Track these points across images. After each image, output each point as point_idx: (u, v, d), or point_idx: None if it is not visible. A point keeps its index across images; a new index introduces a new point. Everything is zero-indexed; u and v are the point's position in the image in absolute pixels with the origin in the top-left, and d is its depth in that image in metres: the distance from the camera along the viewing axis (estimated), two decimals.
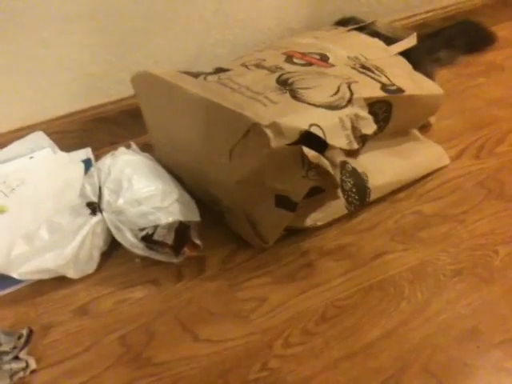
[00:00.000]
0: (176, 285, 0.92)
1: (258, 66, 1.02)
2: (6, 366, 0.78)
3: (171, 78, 0.96)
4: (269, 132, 0.79)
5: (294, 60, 1.03)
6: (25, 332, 0.81)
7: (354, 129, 0.86)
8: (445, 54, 1.43)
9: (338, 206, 0.97)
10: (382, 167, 1.02)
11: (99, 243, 0.94)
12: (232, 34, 1.30)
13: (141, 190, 0.93)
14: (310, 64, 1.02)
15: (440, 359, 0.78)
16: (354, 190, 0.97)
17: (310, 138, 0.80)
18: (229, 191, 0.93)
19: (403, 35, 1.17)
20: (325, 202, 0.90)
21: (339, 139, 0.83)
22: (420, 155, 1.09)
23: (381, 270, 0.91)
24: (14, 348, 0.80)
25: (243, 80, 0.95)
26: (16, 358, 0.79)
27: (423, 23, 1.49)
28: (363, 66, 1.02)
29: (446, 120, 1.22)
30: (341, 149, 0.83)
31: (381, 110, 0.95)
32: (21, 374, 0.79)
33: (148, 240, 0.92)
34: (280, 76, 0.95)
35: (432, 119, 1.19)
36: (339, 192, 0.86)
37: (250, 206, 0.91)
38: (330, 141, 0.81)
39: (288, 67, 1.00)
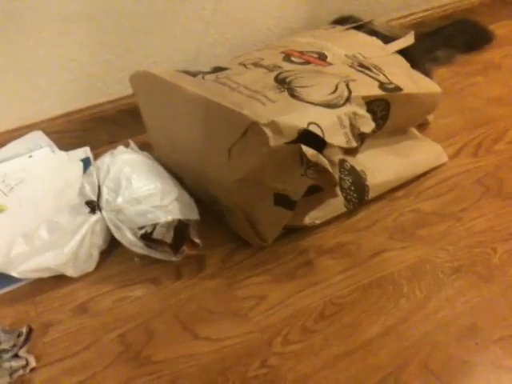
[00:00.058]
0: (175, 283, 0.93)
1: (257, 64, 1.02)
2: (6, 364, 0.78)
3: (170, 77, 0.96)
4: (267, 131, 0.79)
5: (292, 59, 1.03)
6: (24, 330, 0.81)
7: (353, 127, 0.86)
8: (443, 52, 1.43)
9: (336, 205, 0.97)
10: (380, 165, 1.02)
11: (98, 242, 0.94)
12: (231, 34, 1.30)
13: (140, 189, 0.93)
14: (308, 63, 1.02)
15: (439, 356, 0.78)
16: (352, 188, 0.97)
17: (308, 137, 0.80)
18: (228, 190, 0.93)
19: (401, 34, 1.17)
20: (324, 201, 0.90)
21: (338, 137, 0.84)
22: (418, 153, 1.09)
23: (380, 268, 0.92)
24: (14, 346, 0.80)
25: (242, 79, 0.95)
26: (16, 356, 0.79)
27: (421, 22, 1.49)
28: (361, 65, 1.02)
29: (444, 118, 1.23)
30: (339, 147, 0.83)
31: (379, 108, 0.96)
32: (20, 372, 0.79)
33: (147, 238, 0.92)
34: (278, 75, 0.95)
35: (430, 117, 1.19)
36: (338, 190, 0.86)
37: (249, 204, 0.92)
38: (328, 139, 0.81)
39: (286, 66, 1.00)
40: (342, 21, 1.29)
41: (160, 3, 1.18)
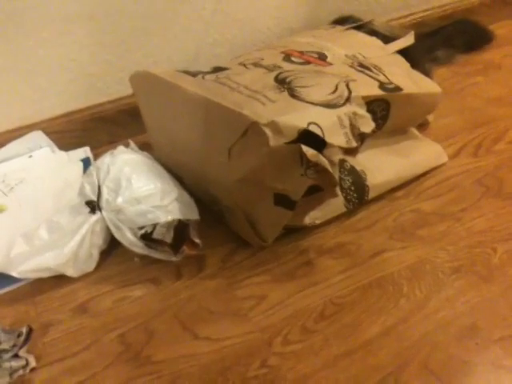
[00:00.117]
0: (175, 283, 0.93)
1: (256, 64, 1.02)
2: (6, 364, 0.78)
3: (170, 77, 0.96)
4: (267, 131, 0.79)
5: (292, 59, 1.03)
6: (24, 330, 0.81)
7: (353, 127, 0.86)
8: (443, 52, 1.43)
9: (336, 205, 0.97)
10: (380, 165, 1.02)
11: (98, 242, 0.95)
12: (231, 34, 1.30)
13: (140, 189, 0.93)
14: (308, 63, 1.02)
15: (439, 356, 0.78)
16: (352, 188, 0.97)
17: (308, 137, 0.80)
18: (228, 190, 0.93)
19: (401, 34, 1.17)
20: (324, 200, 0.90)
21: (338, 137, 0.84)
22: (418, 153, 1.09)
23: (380, 268, 0.92)
24: (14, 346, 0.80)
25: (241, 79, 0.95)
26: (16, 356, 0.79)
27: (421, 22, 1.49)
28: (361, 65, 1.02)
29: (444, 118, 1.23)
30: (339, 147, 0.83)
31: (379, 108, 0.96)
32: (20, 371, 0.79)
33: (147, 238, 0.92)
34: (278, 75, 0.95)
35: (430, 117, 1.19)
36: (338, 190, 0.86)
37: (249, 204, 0.92)
38: (328, 139, 0.81)
39: (286, 66, 1.00)
40: (341, 21, 1.29)
41: (160, 3, 1.18)
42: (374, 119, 0.91)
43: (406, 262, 0.92)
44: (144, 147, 1.10)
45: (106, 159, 0.99)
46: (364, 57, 1.06)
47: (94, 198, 0.94)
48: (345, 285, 0.89)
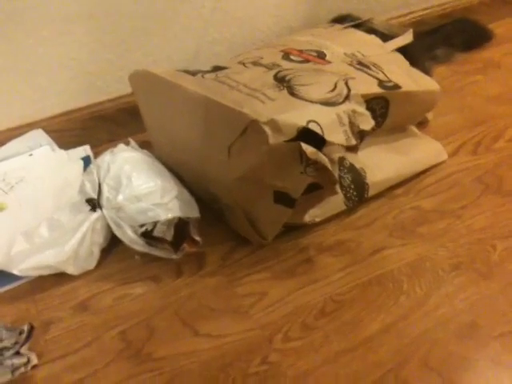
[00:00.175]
0: (176, 281, 0.93)
1: (256, 63, 1.02)
2: (8, 362, 0.78)
3: (169, 76, 0.96)
4: (267, 129, 0.79)
5: (291, 57, 1.03)
6: (26, 328, 0.81)
7: (352, 125, 0.86)
8: (442, 51, 1.44)
9: (336, 202, 0.97)
10: (380, 163, 1.02)
11: (99, 240, 0.95)
12: (230, 33, 1.31)
13: (140, 187, 0.94)
14: (307, 61, 1.02)
15: (439, 353, 0.78)
16: (352, 186, 0.98)
17: (308, 135, 0.80)
18: (228, 188, 0.93)
19: (399, 32, 1.17)
20: (323, 198, 0.90)
21: (337, 135, 0.84)
22: (418, 151, 1.09)
23: (379, 265, 0.92)
24: (16, 344, 0.80)
25: (241, 77, 0.95)
26: (17, 353, 0.79)
27: (420, 20, 1.49)
28: (360, 63, 1.02)
29: (444, 116, 1.23)
30: (339, 145, 0.83)
31: (378, 106, 0.96)
32: (22, 369, 0.79)
33: (148, 236, 0.92)
34: (277, 73, 0.95)
35: (429, 116, 1.19)
36: (337, 188, 0.86)
37: (248, 202, 0.92)
38: (327, 137, 0.81)
39: (285, 64, 1.00)
40: (340, 19, 1.29)
41: (159, 2, 1.18)
42: (374, 117, 0.91)
43: (405, 259, 0.93)
44: (144, 146, 1.10)
45: (106, 157, 0.99)
46: (363, 55, 1.06)
47: (95, 196, 0.94)
48: (345, 282, 0.90)
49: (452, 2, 1.55)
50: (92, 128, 1.25)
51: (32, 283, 0.94)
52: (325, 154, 0.80)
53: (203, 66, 1.05)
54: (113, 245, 0.98)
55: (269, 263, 0.94)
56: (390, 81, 0.98)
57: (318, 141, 0.81)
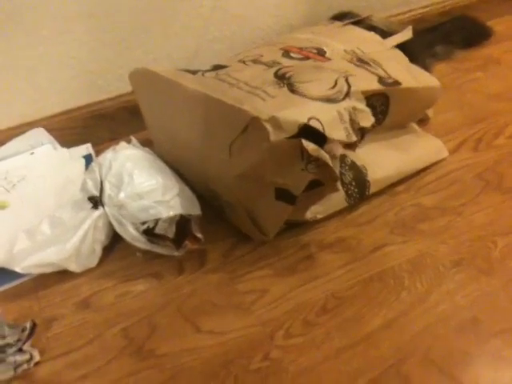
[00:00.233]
0: (177, 278, 0.93)
1: (256, 61, 1.02)
2: (11, 358, 0.79)
3: (169, 74, 0.97)
4: (268, 126, 0.79)
5: (291, 55, 1.04)
6: (28, 325, 0.82)
7: (353, 121, 0.86)
8: (441, 48, 1.44)
9: (337, 199, 0.97)
10: (381, 160, 1.02)
11: (101, 237, 0.95)
12: (230, 31, 1.31)
13: (142, 184, 0.94)
14: (307, 58, 1.02)
15: (440, 348, 0.78)
16: (353, 183, 0.98)
17: (308, 132, 0.80)
18: (229, 186, 0.93)
19: (399, 29, 1.17)
20: (324, 195, 0.90)
21: (338, 132, 0.84)
22: (419, 148, 1.09)
23: (381, 262, 0.92)
24: (18, 340, 0.80)
25: (241, 75, 0.95)
26: (20, 350, 0.80)
27: (420, 18, 1.49)
28: (360, 60, 1.02)
29: (444, 114, 1.23)
30: (340, 142, 0.84)
31: (378, 102, 0.96)
32: (25, 366, 0.80)
33: (149, 233, 0.92)
34: (278, 70, 0.95)
35: (430, 113, 1.19)
36: (339, 185, 0.86)
37: (250, 200, 0.92)
38: (328, 134, 0.81)
39: (285, 62, 1.00)
40: (340, 17, 1.29)
41: (159, 0, 1.19)
42: (374, 114, 0.91)
43: (406, 255, 0.93)
44: (145, 144, 1.10)
45: (108, 155, 0.99)
46: (363, 52, 1.06)
47: (97, 194, 0.95)
48: (346, 279, 0.90)
49: None
50: (93, 126, 1.25)
51: (34, 281, 0.95)
52: (326, 151, 0.80)
53: (203, 64, 1.05)
54: (115, 242, 0.99)
55: (270, 260, 0.94)
56: (390, 77, 0.98)
57: (319, 138, 0.81)
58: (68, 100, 1.23)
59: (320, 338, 0.81)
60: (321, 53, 1.05)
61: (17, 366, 0.79)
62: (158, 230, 0.92)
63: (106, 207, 0.94)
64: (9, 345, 0.79)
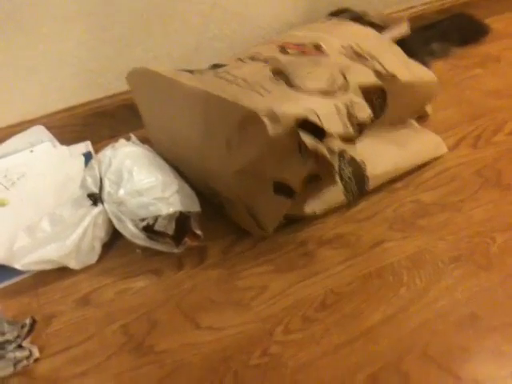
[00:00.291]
0: (177, 274, 0.93)
1: (253, 58, 1.02)
2: (10, 355, 0.79)
3: (168, 73, 0.97)
4: (266, 120, 0.80)
5: (288, 51, 1.03)
6: (28, 321, 0.82)
7: (350, 115, 0.86)
8: (438, 46, 1.44)
9: (336, 195, 0.97)
10: (380, 156, 1.02)
11: (100, 234, 0.95)
12: (230, 29, 1.31)
13: (141, 181, 0.94)
14: (304, 54, 1.02)
15: (439, 344, 0.78)
16: (352, 178, 0.98)
17: (306, 126, 0.80)
18: (228, 182, 0.93)
19: (395, 24, 1.17)
20: (323, 188, 0.90)
21: (335, 125, 0.84)
22: (418, 144, 1.09)
23: (380, 258, 0.92)
24: (18, 337, 0.81)
25: (239, 72, 0.95)
26: (19, 346, 0.80)
27: (420, 15, 1.49)
28: (357, 54, 1.02)
29: (444, 111, 1.23)
30: (337, 135, 0.84)
31: (375, 96, 0.96)
32: (24, 362, 0.80)
33: (149, 230, 0.93)
34: (275, 66, 0.95)
35: (429, 110, 1.19)
36: (337, 178, 0.87)
37: (249, 195, 0.92)
38: (326, 127, 0.81)
39: (282, 58, 1.00)
40: (337, 13, 1.29)
41: None
42: (372, 109, 0.91)
43: (405, 251, 0.93)
44: (145, 141, 1.10)
45: (107, 152, 1.00)
46: (359, 47, 1.06)
47: (96, 191, 0.95)
48: (345, 275, 0.90)
49: None
50: (93, 124, 1.26)
51: (34, 277, 0.95)
52: (324, 145, 0.80)
53: (203, 62, 1.07)
54: (114, 239, 0.99)
55: (269, 256, 0.95)
56: (387, 71, 0.98)
57: (317, 132, 0.81)
58: (68, 98, 1.23)
59: (319, 333, 0.82)
60: (318, 48, 1.05)
61: (16, 362, 0.79)
62: (157, 227, 0.92)
63: (105, 204, 0.94)
64: (8, 341, 0.80)
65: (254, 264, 0.94)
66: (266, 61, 0.99)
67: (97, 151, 1.14)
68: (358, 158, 0.99)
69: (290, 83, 0.89)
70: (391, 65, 1.00)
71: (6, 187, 1.07)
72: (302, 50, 1.03)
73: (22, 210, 1.03)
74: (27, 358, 0.80)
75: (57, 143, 1.19)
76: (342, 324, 0.83)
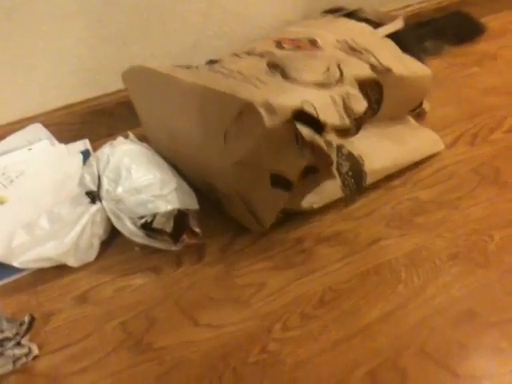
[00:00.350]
0: (176, 272, 0.94)
1: (249, 53, 1.03)
2: (9, 352, 0.79)
3: (165, 70, 0.97)
4: (262, 111, 0.79)
5: (284, 45, 1.04)
6: (26, 319, 0.82)
7: (346, 106, 0.86)
8: (431, 44, 1.44)
9: (333, 189, 0.97)
10: (377, 152, 1.02)
11: (99, 232, 0.95)
12: (228, 27, 1.31)
13: (139, 179, 0.94)
14: (299, 48, 1.02)
15: (437, 340, 0.79)
16: (350, 173, 0.97)
17: (302, 117, 0.80)
18: (225, 176, 0.93)
19: (390, 21, 1.17)
20: (320, 182, 0.90)
21: (331, 116, 0.83)
22: (415, 140, 1.10)
23: (377, 255, 0.93)
24: (17, 334, 0.81)
25: (235, 66, 0.96)
26: (18, 344, 0.80)
27: (417, 13, 1.50)
28: (352, 48, 1.02)
29: (441, 108, 1.23)
30: (333, 126, 0.84)
31: (372, 91, 0.96)
32: (23, 359, 0.80)
33: (147, 228, 0.93)
34: (271, 60, 0.96)
35: (427, 107, 1.19)
36: (334, 170, 0.86)
37: (246, 188, 0.92)
38: (322, 118, 0.81)
39: (278, 52, 1.00)
40: (332, 11, 1.30)
41: None
42: (369, 104, 0.91)
43: (403, 249, 0.93)
44: (143, 139, 1.10)
45: (105, 150, 1.00)
46: (355, 41, 1.06)
47: (95, 189, 0.95)
48: (343, 272, 0.90)
49: None
50: (91, 122, 1.26)
51: (33, 275, 0.95)
52: (321, 137, 0.80)
53: (202, 61, 1.06)
54: (113, 237, 0.99)
55: (268, 254, 0.95)
56: (382, 65, 0.98)
57: (314, 124, 0.81)
58: (66, 96, 1.23)
59: (317, 330, 0.82)
60: (313, 43, 1.05)
61: (15, 359, 0.79)
62: (155, 225, 0.92)
63: (103, 202, 0.94)
64: (7, 339, 0.80)
65: (253, 261, 0.94)
66: (261, 55, 0.99)
67: (95, 149, 1.14)
68: (355, 153, 0.98)
69: (285, 76, 0.89)
70: (386, 59, 1.00)
71: (4, 185, 1.07)
72: (297, 44, 1.04)
73: (20, 208, 1.03)
74: (26, 355, 0.80)
75: (55, 141, 1.19)
76: (340, 321, 0.83)
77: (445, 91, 1.27)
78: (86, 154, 1.16)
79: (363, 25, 1.16)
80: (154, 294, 0.90)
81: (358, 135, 0.89)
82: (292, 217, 0.99)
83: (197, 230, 0.94)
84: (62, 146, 1.18)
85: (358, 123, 0.88)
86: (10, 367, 0.79)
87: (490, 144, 1.14)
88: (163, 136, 1.07)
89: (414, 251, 0.93)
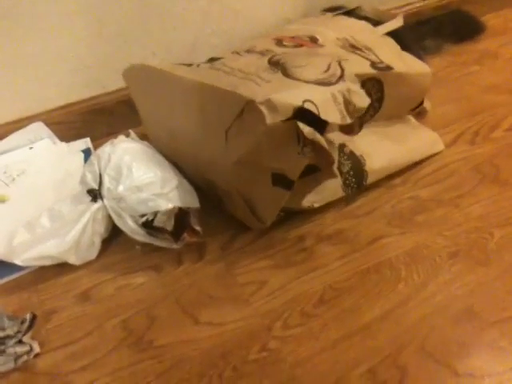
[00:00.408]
0: (176, 270, 0.94)
1: (249, 51, 1.03)
2: (11, 350, 0.79)
3: (165, 67, 0.97)
4: (263, 109, 0.79)
5: (284, 43, 1.04)
6: (28, 317, 0.82)
7: (347, 104, 0.86)
8: (431, 42, 1.44)
9: (334, 188, 0.98)
10: (378, 151, 1.02)
11: (100, 230, 0.95)
12: (228, 25, 1.31)
13: (140, 177, 0.94)
14: (299, 46, 1.02)
15: (436, 339, 0.79)
16: (351, 172, 0.98)
17: (304, 115, 0.80)
18: (226, 174, 0.93)
19: (390, 18, 1.17)
20: (322, 181, 0.90)
21: (332, 114, 0.83)
22: (415, 140, 1.10)
23: (378, 254, 0.93)
24: (18, 332, 0.81)
25: (236, 64, 0.95)
26: (20, 342, 0.81)
27: (417, 12, 1.49)
28: (352, 46, 1.02)
29: (442, 107, 1.23)
30: (335, 124, 0.84)
31: (373, 89, 0.96)
32: (25, 357, 0.80)
33: (148, 226, 0.93)
34: (271, 57, 0.95)
35: (428, 106, 1.19)
36: (335, 170, 0.86)
37: (247, 187, 0.92)
38: (323, 116, 0.81)
39: (278, 50, 1.00)
40: (332, 9, 1.30)
41: None
42: (370, 102, 0.91)
43: (403, 247, 0.93)
44: (143, 138, 1.10)
45: (106, 148, 1.00)
46: (355, 39, 1.06)
47: (96, 187, 0.95)
48: (343, 270, 0.91)
49: None
50: (91, 121, 1.26)
51: (34, 273, 0.95)
52: (323, 136, 0.80)
53: (201, 59, 1.06)
54: (114, 235, 0.99)
55: (268, 252, 0.95)
56: (382, 62, 0.98)
57: (315, 122, 0.81)
58: (67, 94, 1.23)
59: (317, 328, 0.82)
60: (313, 40, 1.05)
61: (17, 357, 0.80)
62: (156, 223, 0.92)
63: (105, 200, 0.94)
64: (9, 336, 0.80)
65: (253, 260, 0.94)
66: (262, 53, 0.99)
67: (96, 148, 1.14)
68: (357, 153, 0.99)
69: (286, 73, 0.89)
70: (386, 56, 1.00)
71: (5, 183, 1.08)
72: (297, 42, 1.04)
73: (21, 207, 1.03)
74: (28, 353, 0.81)
75: (56, 140, 1.19)
76: (341, 319, 0.83)
77: (445, 89, 1.27)
78: (87, 153, 1.16)
79: (363, 23, 1.16)
80: (155, 292, 0.90)
81: (359, 133, 0.89)
82: (293, 215, 0.99)
83: (197, 228, 0.94)
84: (64, 144, 1.18)
85: (361, 121, 0.88)
86: (11, 365, 0.80)
87: (490, 142, 1.14)
88: (164, 134, 1.08)
89: (415, 249, 0.93)
